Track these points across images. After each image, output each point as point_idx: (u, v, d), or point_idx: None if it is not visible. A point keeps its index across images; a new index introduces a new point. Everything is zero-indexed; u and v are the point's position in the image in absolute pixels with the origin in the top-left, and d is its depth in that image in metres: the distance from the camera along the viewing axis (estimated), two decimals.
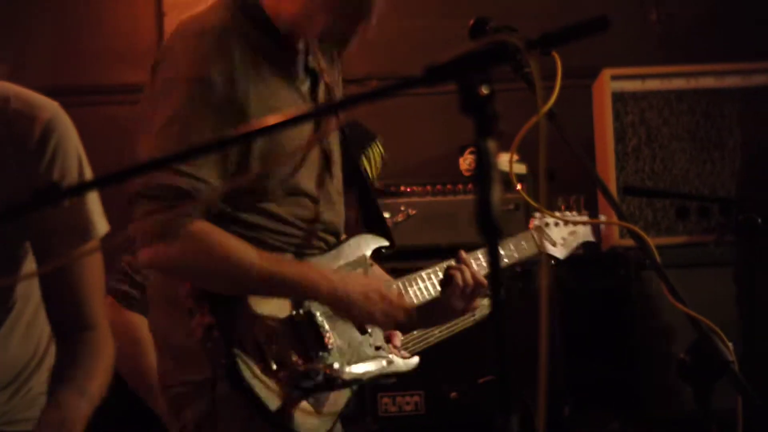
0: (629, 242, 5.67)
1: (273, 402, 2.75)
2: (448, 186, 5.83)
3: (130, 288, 3.97)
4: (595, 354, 5.93)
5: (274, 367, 2.77)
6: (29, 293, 2.57)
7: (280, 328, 2.81)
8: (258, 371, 2.74)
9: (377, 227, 3.18)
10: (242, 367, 2.72)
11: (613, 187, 5.74)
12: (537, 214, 3.50)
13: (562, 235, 3.59)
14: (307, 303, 2.86)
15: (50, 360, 2.65)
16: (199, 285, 2.73)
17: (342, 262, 3.01)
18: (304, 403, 2.82)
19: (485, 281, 3.13)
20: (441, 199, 5.78)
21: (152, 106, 2.73)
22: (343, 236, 3.09)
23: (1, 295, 2.51)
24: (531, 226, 3.45)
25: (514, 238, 3.40)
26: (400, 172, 6.25)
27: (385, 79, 6.43)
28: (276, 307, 2.82)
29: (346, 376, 2.86)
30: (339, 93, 3.14)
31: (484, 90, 1.55)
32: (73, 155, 2.44)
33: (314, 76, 3.00)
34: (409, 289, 3.11)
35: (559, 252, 3.63)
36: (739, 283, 5.47)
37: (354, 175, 3.19)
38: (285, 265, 2.80)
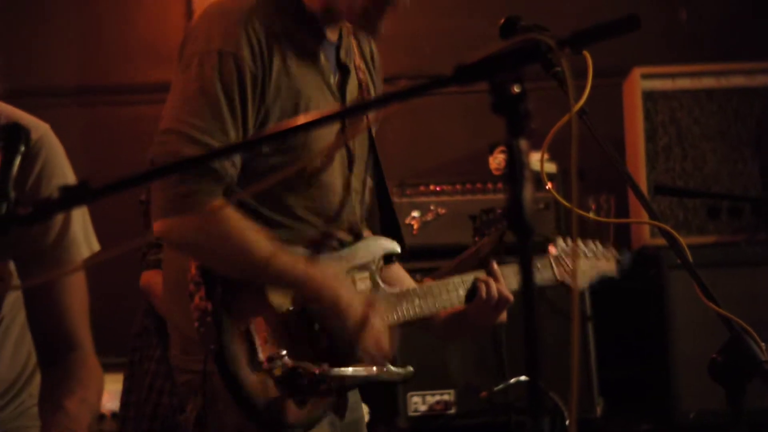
0: (660, 241, 5.65)
1: (256, 394, 2.74)
2: (478, 185, 5.83)
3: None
4: (626, 354, 5.92)
5: (262, 359, 2.75)
6: (16, 312, 2.58)
7: (274, 322, 2.79)
8: (245, 362, 2.73)
9: (391, 230, 3.13)
10: (230, 355, 2.72)
11: (643, 187, 5.72)
12: (559, 241, 3.40)
13: (582, 267, 3.47)
14: (303, 301, 2.84)
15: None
16: (205, 264, 2.72)
17: (352, 263, 2.97)
18: (287, 399, 2.79)
19: (511, 297, 3.06)
20: (470, 198, 5.78)
21: (178, 79, 2.75)
22: (367, 232, 3.09)
23: None
24: (550, 252, 3.35)
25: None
26: (430, 170, 6.26)
27: (414, 78, 6.44)
28: (274, 301, 2.80)
29: (332, 379, 2.82)
30: (375, 93, 3.13)
31: (516, 89, 1.55)
32: (60, 176, 2.42)
33: (345, 71, 2.99)
34: (432, 300, 3.05)
35: (576, 282, 3.51)
36: None
37: (375, 176, 3.17)
38: (298, 268, 2.78)
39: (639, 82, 5.93)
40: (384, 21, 2.89)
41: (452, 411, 5.43)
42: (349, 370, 2.87)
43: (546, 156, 2.62)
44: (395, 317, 2.98)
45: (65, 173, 2.41)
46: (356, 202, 3.03)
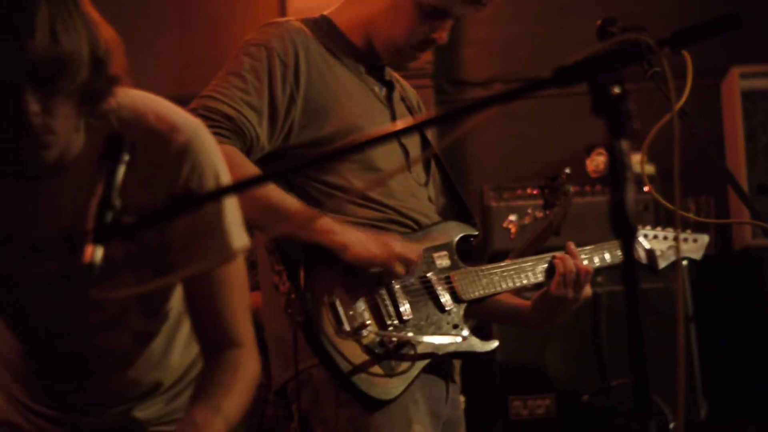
0: (762, 242, 5.58)
1: (343, 362, 2.84)
2: (575, 188, 5.80)
3: None
4: (729, 356, 5.85)
5: (348, 329, 2.85)
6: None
7: (359, 294, 2.91)
8: (332, 331, 2.84)
9: (464, 217, 3.26)
10: (317, 325, 2.83)
11: (743, 187, 5.65)
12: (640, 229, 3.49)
13: (660, 247, 3.53)
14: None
15: None
16: None
17: (431, 243, 3.10)
18: (375, 367, 2.88)
19: (590, 268, 3.18)
20: None
21: (225, 66, 3.01)
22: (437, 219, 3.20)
23: (151, 305, 2.51)
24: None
25: (607, 244, 3.38)
26: (526, 174, 6.23)
27: (507, 82, 6.43)
28: (354, 277, 2.91)
29: (419, 347, 2.92)
30: (414, 103, 3.34)
31: (616, 89, 1.54)
32: (210, 176, 2.38)
33: (390, 88, 3.21)
34: (511, 276, 3.17)
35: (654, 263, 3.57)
36: None
37: (438, 169, 3.31)
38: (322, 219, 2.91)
39: (738, 82, 5.86)
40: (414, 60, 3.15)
41: (553, 415, 5.40)
42: (433, 338, 2.96)
43: (643, 158, 2.60)
44: (476, 292, 3.10)
45: (217, 172, 2.36)
46: (420, 197, 3.16)
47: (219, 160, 2.37)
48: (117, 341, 2.48)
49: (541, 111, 6.39)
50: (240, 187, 2.18)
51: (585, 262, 3.23)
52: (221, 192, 2.20)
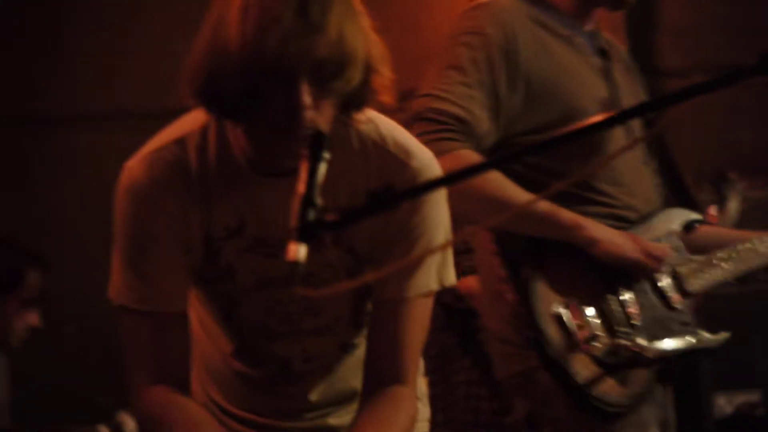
0: None
1: (575, 376, 2.78)
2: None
3: None
4: None
5: (578, 342, 2.79)
6: None
7: (585, 302, 2.83)
8: (562, 346, 2.78)
9: (686, 201, 3.16)
10: (547, 339, 2.77)
11: None
12: None
13: None
14: (614, 279, 2.88)
15: None
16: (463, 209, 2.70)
17: (653, 233, 2.99)
18: (608, 378, 2.81)
19: None
20: None
21: (439, 58, 2.93)
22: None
23: (358, 317, 2.51)
24: None
25: None
26: (726, 165, 6.07)
27: (704, 71, 6.28)
28: (579, 282, 2.86)
29: (651, 354, 2.84)
30: (633, 77, 3.22)
31: None
32: (440, 206, 2.37)
33: (606, 57, 3.09)
34: (738, 261, 3.07)
35: None
36: None
37: (660, 156, 3.19)
38: (562, 211, 2.85)
39: None
40: None
41: (760, 412, 5.26)
42: (666, 343, 2.88)
43: None
44: (703, 283, 3.00)
45: (443, 203, 2.38)
46: (647, 174, 3.08)
47: (445, 196, 2.37)
48: (325, 348, 2.49)
49: (737, 101, 6.22)
50: (459, 176, 2.10)
51: None
52: (438, 182, 2.17)
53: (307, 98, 2.10)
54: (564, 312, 2.80)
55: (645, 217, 3.01)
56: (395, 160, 2.32)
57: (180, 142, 2.35)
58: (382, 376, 2.41)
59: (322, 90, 2.14)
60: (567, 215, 2.83)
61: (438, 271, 2.39)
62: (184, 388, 2.42)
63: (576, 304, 2.82)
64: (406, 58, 6.94)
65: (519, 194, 2.80)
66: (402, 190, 1.91)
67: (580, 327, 2.80)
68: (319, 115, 2.14)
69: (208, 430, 2.35)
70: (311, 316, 2.43)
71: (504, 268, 2.84)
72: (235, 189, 2.34)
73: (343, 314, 2.45)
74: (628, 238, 2.87)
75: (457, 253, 4.08)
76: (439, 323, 4.34)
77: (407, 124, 2.68)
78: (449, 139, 2.75)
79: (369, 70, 2.20)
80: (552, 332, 2.78)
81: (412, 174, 2.30)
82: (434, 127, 2.77)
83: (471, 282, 4.01)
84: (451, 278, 2.41)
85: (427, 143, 2.48)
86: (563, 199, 2.84)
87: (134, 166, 2.35)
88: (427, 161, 2.34)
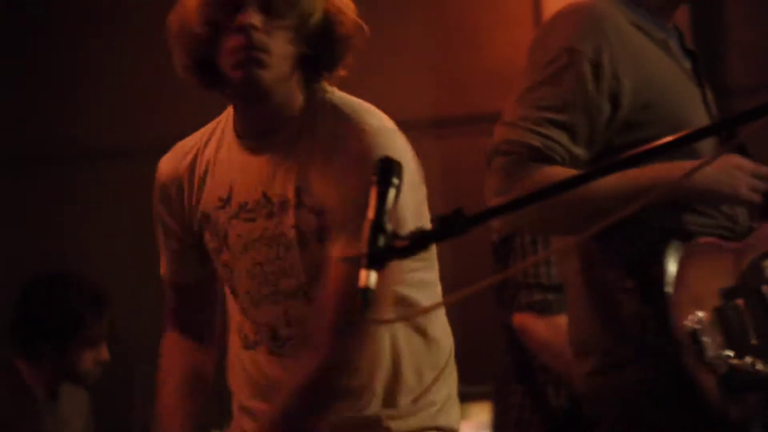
0: None
1: (704, 393, 2.61)
2: None
3: (543, 294, 3.96)
4: None
5: (710, 356, 2.62)
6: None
7: (713, 317, 2.65)
8: (694, 360, 2.60)
9: None
10: (684, 352, 2.59)
11: None
12: None
13: None
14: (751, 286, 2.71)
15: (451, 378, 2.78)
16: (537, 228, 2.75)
17: (755, 253, 2.77)
18: (728, 397, 2.63)
19: None
20: None
21: (522, 79, 2.74)
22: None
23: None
24: None
25: None
26: None
27: None
28: (706, 290, 2.67)
29: None
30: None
31: None
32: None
33: (694, 58, 2.92)
34: None
35: None
36: None
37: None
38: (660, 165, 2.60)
39: None
40: None
41: None
42: None
43: None
44: None
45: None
46: None
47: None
48: (301, 312, 2.62)
49: None
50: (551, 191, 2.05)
51: None
52: (525, 200, 2.11)
53: (253, 18, 2.46)
54: (697, 324, 2.62)
55: (746, 230, 2.81)
56: (351, 126, 2.58)
57: (208, 128, 2.77)
58: (310, 339, 2.57)
59: (273, 18, 2.49)
60: (656, 172, 2.60)
61: (412, 221, 2.50)
62: (196, 336, 2.88)
63: (708, 309, 2.65)
64: (471, 79, 6.95)
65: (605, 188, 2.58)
66: (473, 214, 1.88)
67: (709, 344, 2.62)
68: (270, 40, 2.49)
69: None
70: (286, 276, 2.61)
71: (623, 277, 2.69)
72: (227, 162, 2.67)
73: (316, 275, 2.58)
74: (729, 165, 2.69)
75: (517, 288, 4.08)
76: (504, 343, 4.33)
77: (490, 157, 2.67)
78: (523, 168, 2.65)
79: (329, 24, 2.55)
80: (683, 347, 2.60)
81: (367, 141, 2.53)
82: (508, 159, 2.63)
83: (527, 319, 3.99)
84: (426, 220, 2.58)
85: (504, 178, 2.51)
86: (667, 210, 2.68)
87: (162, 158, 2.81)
88: (380, 127, 2.60)
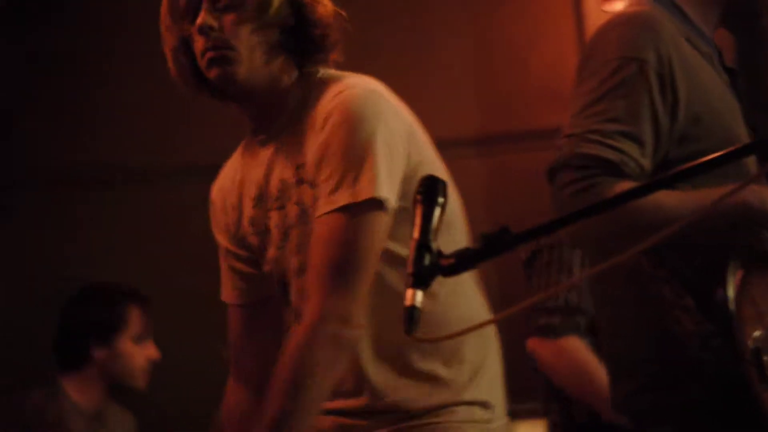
0: None
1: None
2: None
3: (547, 318, 3.97)
4: None
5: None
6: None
7: None
8: (755, 380, 2.50)
9: None
10: (742, 376, 2.49)
11: None
12: None
13: None
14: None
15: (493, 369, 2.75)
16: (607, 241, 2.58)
17: None
18: None
19: None
20: None
21: (577, 91, 2.67)
22: None
23: None
24: None
25: None
26: None
27: None
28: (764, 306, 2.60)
29: None
30: None
31: None
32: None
33: (734, 76, 2.86)
34: None
35: None
36: None
37: None
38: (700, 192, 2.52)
39: None
40: None
41: None
42: None
43: None
44: None
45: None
46: None
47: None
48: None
49: None
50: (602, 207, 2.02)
51: None
52: (588, 211, 2.05)
53: (207, 20, 2.58)
54: (760, 342, 2.52)
55: None
56: (332, 89, 2.64)
57: (242, 144, 2.86)
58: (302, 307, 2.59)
59: (227, 14, 2.59)
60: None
61: (350, 185, 2.53)
62: (254, 389, 2.77)
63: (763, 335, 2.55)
64: (515, 96, 6.91)
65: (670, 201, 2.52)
66: (519, 233, 1.87)
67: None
68: (230, 36, 2.59)
69: None
70: (294, 254, 2.66)
71: (682, 295, 2.61)
72: (251, 163, 2.76)
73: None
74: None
75: (540, 312, 4.07)
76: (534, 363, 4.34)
77: (554, 171, 2.57)
78: (601, 184, 2.50)
79: (298, 2, 2.64)
80: (746, 367, 2.49)
81: (344, 96, 2.59)
82: (582, 174, 2.52)
83: (537, 344, 4.00)
84: (364, 192, 2.52)
85: (576, 194, 2.45)
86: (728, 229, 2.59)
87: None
88: (359, 85, 2.63)
